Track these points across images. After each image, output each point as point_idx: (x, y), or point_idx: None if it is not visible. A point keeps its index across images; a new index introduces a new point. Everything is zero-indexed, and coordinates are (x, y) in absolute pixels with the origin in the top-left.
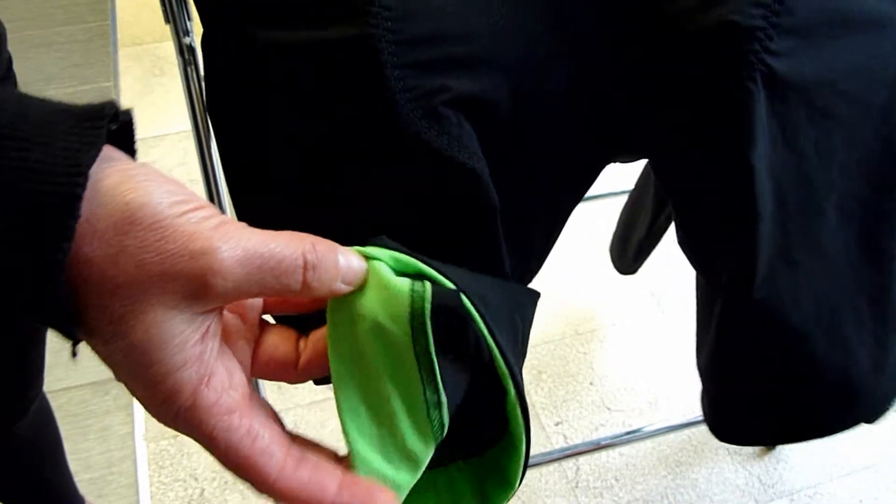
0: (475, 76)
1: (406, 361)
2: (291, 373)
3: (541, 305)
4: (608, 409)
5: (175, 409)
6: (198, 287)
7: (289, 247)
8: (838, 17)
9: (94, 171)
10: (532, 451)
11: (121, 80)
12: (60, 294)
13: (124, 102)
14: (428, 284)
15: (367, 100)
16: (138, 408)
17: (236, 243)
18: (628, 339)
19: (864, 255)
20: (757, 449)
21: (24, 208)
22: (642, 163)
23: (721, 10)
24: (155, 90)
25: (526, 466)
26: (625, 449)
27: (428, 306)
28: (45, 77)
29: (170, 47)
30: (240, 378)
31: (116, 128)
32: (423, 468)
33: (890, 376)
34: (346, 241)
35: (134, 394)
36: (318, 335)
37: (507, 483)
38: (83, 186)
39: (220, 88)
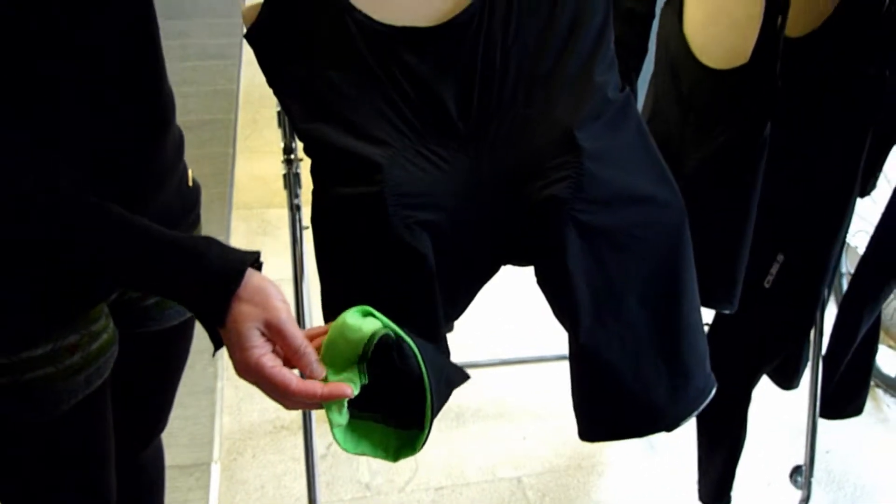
0: (430, 211)
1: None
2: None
3: (551, 440)
4: None
5: (248, 364)
6: (271, 326)
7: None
8: (622, 195)
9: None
10: None
11: (231, 236)
12: (228, 309)
13: None
14: (377, 335)
15: (377, 219)
16: (213, 491)
17: (291, 321)
18: (625, 475)
19: (658, 329)
20: None
21: (223, 275)
22: None
23: (551, 189)
24: (258, 247)
25: (423, 444)
26: None
27: (371, 346)
28: None
29: (273, 213)
30: (277, 360)
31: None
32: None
33: (683, 404)
34: (362, 302)
35: (231, 358)
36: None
37: (413, 449)
38: (246, 267)
39: (317, 217)
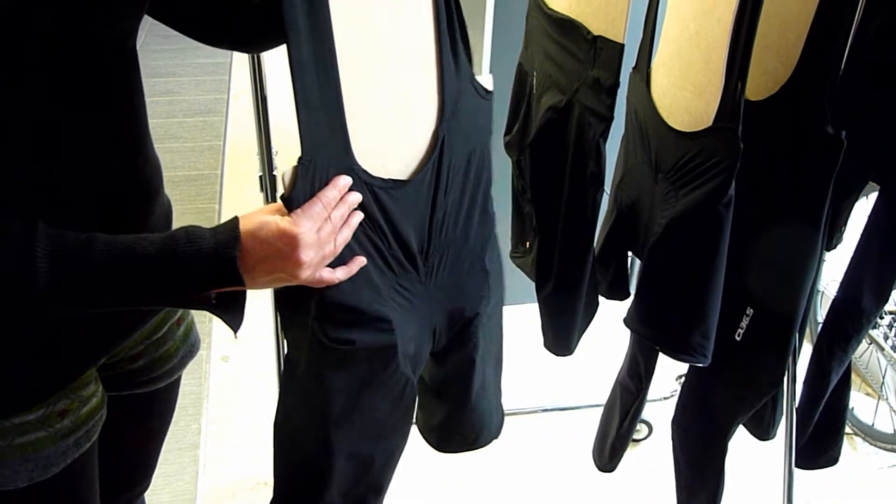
0: (413, 344)
1: None
2: None
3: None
4: None
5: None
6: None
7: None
8: (497, 303)
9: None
10: None
11: None
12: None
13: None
14: None
15: (388, 360)
16: None
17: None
18: None
19: (496, 384)
20: None
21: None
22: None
23: (474, 307)
24: None
25: None
26: None
27: None
28: None
29: None
30: None
31: None
32: None
33: (497, 428)
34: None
35: (292, 261)
36: None
37: None
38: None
39: (322, 362)
